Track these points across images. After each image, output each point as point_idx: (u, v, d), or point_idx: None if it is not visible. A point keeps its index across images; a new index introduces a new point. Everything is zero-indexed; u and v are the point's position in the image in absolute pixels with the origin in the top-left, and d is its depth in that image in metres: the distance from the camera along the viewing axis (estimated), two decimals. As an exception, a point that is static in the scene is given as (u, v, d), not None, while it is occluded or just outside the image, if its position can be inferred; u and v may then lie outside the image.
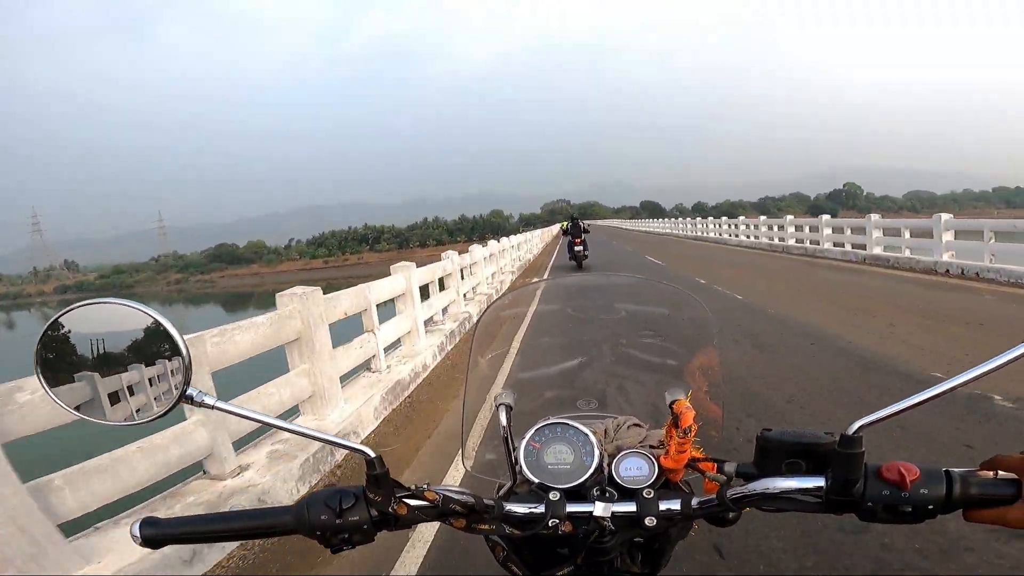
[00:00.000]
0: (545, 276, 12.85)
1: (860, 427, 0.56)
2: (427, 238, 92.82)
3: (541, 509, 0.66)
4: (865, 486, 0.57)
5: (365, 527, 0.63)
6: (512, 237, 15.80)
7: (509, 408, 0.83)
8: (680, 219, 41.10)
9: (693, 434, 0.69)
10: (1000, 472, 0.57)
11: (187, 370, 0.63)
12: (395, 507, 0.63)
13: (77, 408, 0.65)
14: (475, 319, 7.33)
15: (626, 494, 0.69)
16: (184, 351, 0.63)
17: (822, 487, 0.58)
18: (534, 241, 26.55)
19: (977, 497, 0.56)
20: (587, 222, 19.57)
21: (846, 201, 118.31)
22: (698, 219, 34.04)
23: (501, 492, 0.76)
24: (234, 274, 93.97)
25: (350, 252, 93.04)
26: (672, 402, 0.73)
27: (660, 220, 58.84)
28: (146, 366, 0.65)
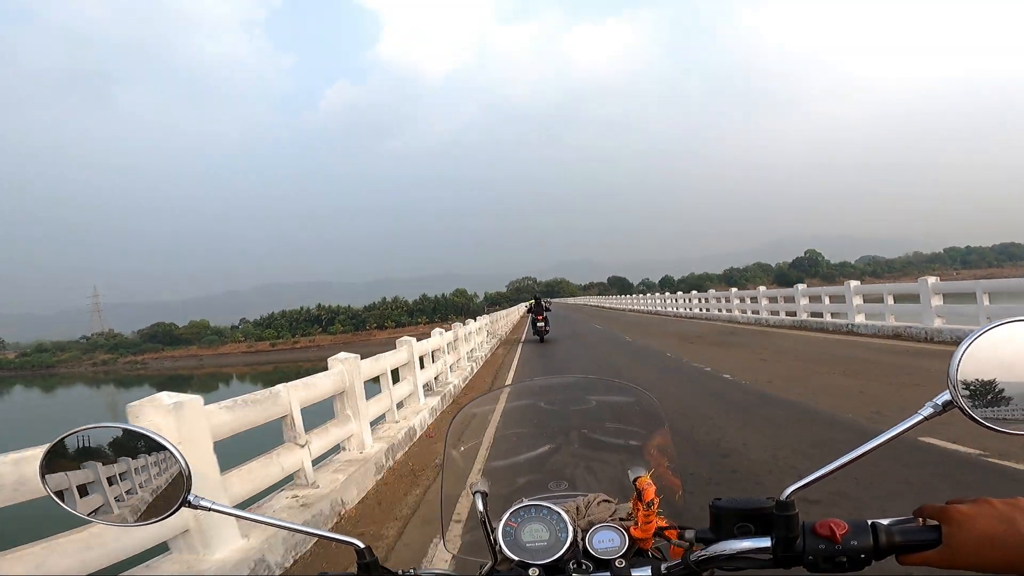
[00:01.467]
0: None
1: (791, 492, 0.65)
2: (385, 319, 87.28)
3: None
4: (804, 543, 0.64)
5: None
6: (458, 327, 11.52)
7: (484, 494, 0.88)
8: (714, 295, 25.13)
9: (656, 506, 0.78)
10: (928, 520, 0.64)
11: (187, 480, 0.75)
12: None
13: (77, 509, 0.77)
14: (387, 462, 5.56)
15: (601, 565, 0.76)
16: (184, 464, 0.76)
17: (769, 546, 0.66)
18: (481, 336, 16.50)
19: (903, 544, 0.63)
20: (551, 300, 20.92)
21: (809, 269, 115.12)
22: (762, 289, 20.28)
23: (484, 571, 0.82)
24: (169, 355, 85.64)
25: (301, 334, 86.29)
26: (635, 478, 0.82)
27: (654, 294, 42.03)
28: (147, 475, 0.78)
